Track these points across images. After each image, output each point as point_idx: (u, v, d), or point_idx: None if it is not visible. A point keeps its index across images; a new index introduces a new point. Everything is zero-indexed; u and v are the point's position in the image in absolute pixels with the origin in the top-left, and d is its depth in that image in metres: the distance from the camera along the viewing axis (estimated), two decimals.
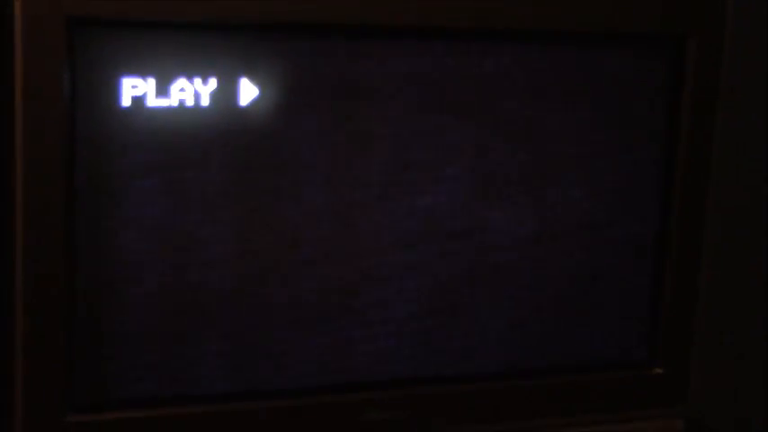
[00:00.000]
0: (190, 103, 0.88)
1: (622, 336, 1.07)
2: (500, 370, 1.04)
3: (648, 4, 0.99)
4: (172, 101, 0.88)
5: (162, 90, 0.88)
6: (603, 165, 1.02)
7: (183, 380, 0.94)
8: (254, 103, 0.91)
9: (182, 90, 0.88)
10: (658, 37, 1.00)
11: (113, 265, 0.90)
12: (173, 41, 0.88)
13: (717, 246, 1.41)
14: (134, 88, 0.87)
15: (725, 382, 1.45)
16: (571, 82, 0.99)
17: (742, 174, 1.40)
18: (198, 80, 0.89)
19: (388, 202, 0.96)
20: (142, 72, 0.87)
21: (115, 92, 0.86)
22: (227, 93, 0.90)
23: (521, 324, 1.03)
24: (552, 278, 1.03)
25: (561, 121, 1.00)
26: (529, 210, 1.01)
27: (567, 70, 0.99)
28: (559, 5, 0.96)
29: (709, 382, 1.45)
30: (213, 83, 0.89)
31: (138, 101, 0.87)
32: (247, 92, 0.90)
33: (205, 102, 0.89)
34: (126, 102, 0.87)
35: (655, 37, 1.00)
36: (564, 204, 1.02)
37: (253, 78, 0.90)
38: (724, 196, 1.39)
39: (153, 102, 0.88)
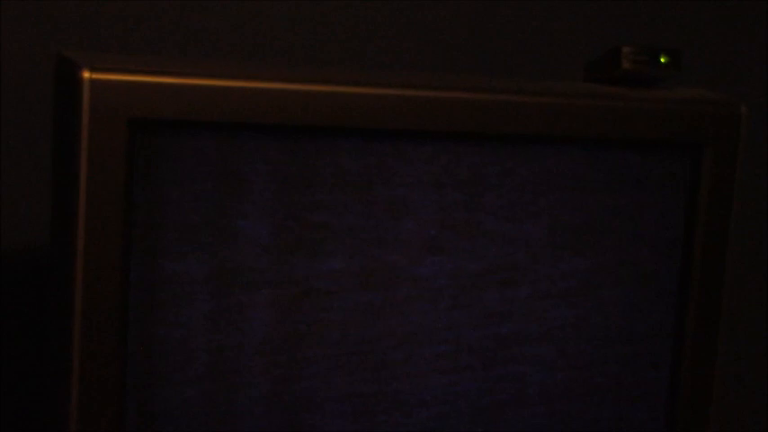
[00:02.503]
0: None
1: (640, 419, 1.12)
2: None
3: (668, 115, 1.06)
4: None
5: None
6: (621, 268, 1.08)
7: None
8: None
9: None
10: (677, 145, 1.07)
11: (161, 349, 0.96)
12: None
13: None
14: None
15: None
16: (588, 183, 1.06)
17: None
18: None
19: (418, 299, 1.03)
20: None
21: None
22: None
23: (543, 411, 1.09)
24: (572, 361, 1.09)
25: (579, 221, 1.06)
26: (548, 311, 1.07)
27: (584, 172, 1.06)
28: (574, 113, 1.03)
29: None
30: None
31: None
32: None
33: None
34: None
35: (674, 145, 1.07)
36: (582, 305, 1.07)
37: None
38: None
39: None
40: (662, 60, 1.07)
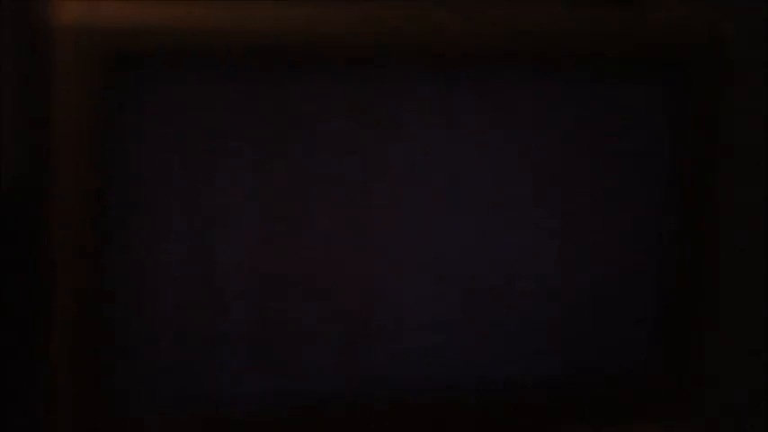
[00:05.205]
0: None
1: (629, 345, 1.11)
2: (504, 379, 1.07)
3: (651, 34, 1.04)
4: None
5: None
6: (608, 178, 1.06)
7: (211, 385, 0.98)
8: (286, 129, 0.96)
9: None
10: (662, 65, 1.06)
11: (142, 283, 0.95)
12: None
13: (727, 255, 1.45)
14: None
15: (734, 391, 1.47)
16: (568, 109, 1.04)
17: (745, 180, 1.44)
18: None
19: (401, 224, 1.01)
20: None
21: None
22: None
23: (523, 334, 1.08)
24: (558, 289, 1.08)
25: (566, 144, 1.04)
26: (535, 225, 1.05)
27: (564, 98, 1.04)
28: (554, 38, 1.02)
29: (718, 392, 1.48)
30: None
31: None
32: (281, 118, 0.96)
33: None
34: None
35: (658, 65, 1.06)
36: (569, 216, 1.06)
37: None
38: (730, 204, 1.42)
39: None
40: None
